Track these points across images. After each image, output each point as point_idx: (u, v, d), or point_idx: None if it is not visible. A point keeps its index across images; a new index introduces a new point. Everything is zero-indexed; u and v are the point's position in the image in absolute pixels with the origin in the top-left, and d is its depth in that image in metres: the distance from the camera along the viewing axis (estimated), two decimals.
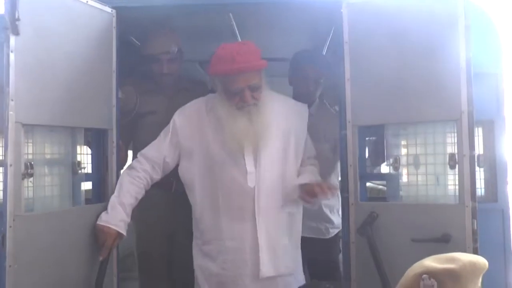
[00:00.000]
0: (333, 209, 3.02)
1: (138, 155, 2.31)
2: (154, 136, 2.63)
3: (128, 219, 2.20)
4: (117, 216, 2.15)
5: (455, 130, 2.07)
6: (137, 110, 2.77)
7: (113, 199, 2.19)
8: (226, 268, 2.20)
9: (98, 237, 2.15)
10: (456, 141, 2.07)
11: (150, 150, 2.29)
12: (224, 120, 2.14)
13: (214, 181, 2.21)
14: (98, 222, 2.15)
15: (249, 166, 2.18)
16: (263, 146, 2.17)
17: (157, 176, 2.29)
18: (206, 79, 3.17)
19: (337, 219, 3.01)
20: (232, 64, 2.08)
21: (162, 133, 2.32)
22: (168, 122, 2.58)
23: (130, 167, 2.30)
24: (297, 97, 2.72)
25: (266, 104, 2.17)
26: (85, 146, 2.35)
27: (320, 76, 2.87)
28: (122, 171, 2.43)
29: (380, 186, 3.96)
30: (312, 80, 2.85)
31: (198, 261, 2.29)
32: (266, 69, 2.80)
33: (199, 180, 2.24)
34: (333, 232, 3.02)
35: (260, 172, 2.17)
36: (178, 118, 2.30)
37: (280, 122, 2.24)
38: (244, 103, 2.12)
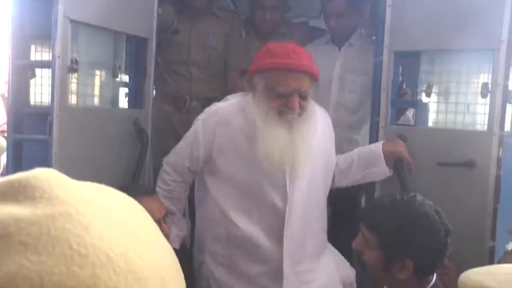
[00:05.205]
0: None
1: (163, 163, 2.13)
2: (172, 54, 2.71)
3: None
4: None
5: (493, 60, 2.08)
6: (174, 27, 2.80)
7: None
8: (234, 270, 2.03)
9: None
10: (491, 70, 2.08)
11: (173, 157, 2.10)
12: (260, 128, 1.85)
13: (244, 193, 1.98)
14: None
15: (282, 185, 1.94)
16: (300, 165, 1.91)
17: (190, 179, 2.13)
18: (233, 9, 3.17)
19: None
20: (288, 58, 1.81)
21: (183, 141, 2.09)
22: (189, 44, 2.65)
23: (160, 179, 2.12)
24: (333, 33, 2.71)
25: (310, 117, 1.89)
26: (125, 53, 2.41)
27: (342, 8, 2.63)
28: None
29: None
30: (337, 14, 2.63)
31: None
32: None
33: (227, 188, 2.01)
34: None
35: (294, 192, 1.94)
36: (202, 128, 2.01)
37: (316, 136, 1.98)
38: (288, 109, 1.83)
